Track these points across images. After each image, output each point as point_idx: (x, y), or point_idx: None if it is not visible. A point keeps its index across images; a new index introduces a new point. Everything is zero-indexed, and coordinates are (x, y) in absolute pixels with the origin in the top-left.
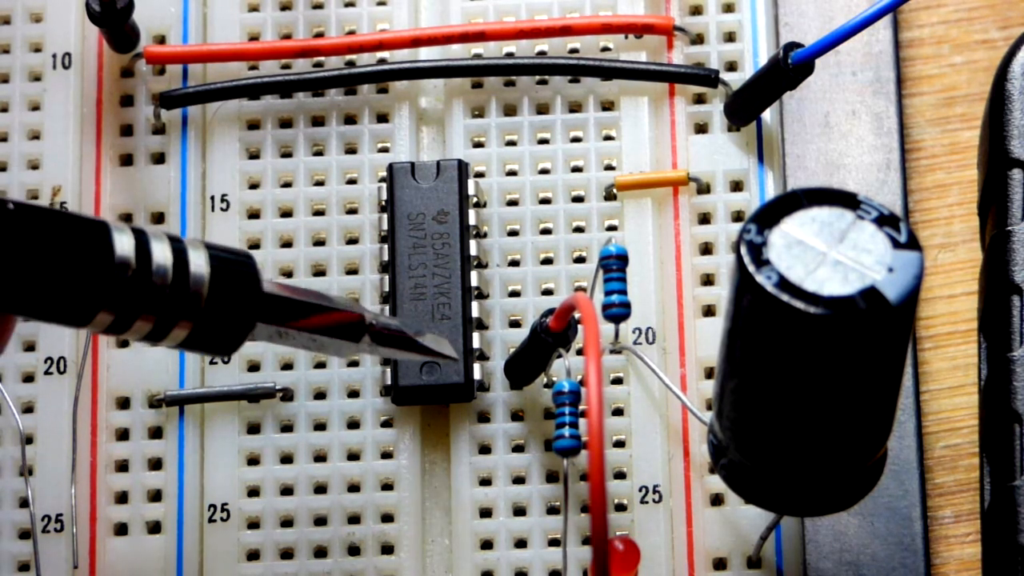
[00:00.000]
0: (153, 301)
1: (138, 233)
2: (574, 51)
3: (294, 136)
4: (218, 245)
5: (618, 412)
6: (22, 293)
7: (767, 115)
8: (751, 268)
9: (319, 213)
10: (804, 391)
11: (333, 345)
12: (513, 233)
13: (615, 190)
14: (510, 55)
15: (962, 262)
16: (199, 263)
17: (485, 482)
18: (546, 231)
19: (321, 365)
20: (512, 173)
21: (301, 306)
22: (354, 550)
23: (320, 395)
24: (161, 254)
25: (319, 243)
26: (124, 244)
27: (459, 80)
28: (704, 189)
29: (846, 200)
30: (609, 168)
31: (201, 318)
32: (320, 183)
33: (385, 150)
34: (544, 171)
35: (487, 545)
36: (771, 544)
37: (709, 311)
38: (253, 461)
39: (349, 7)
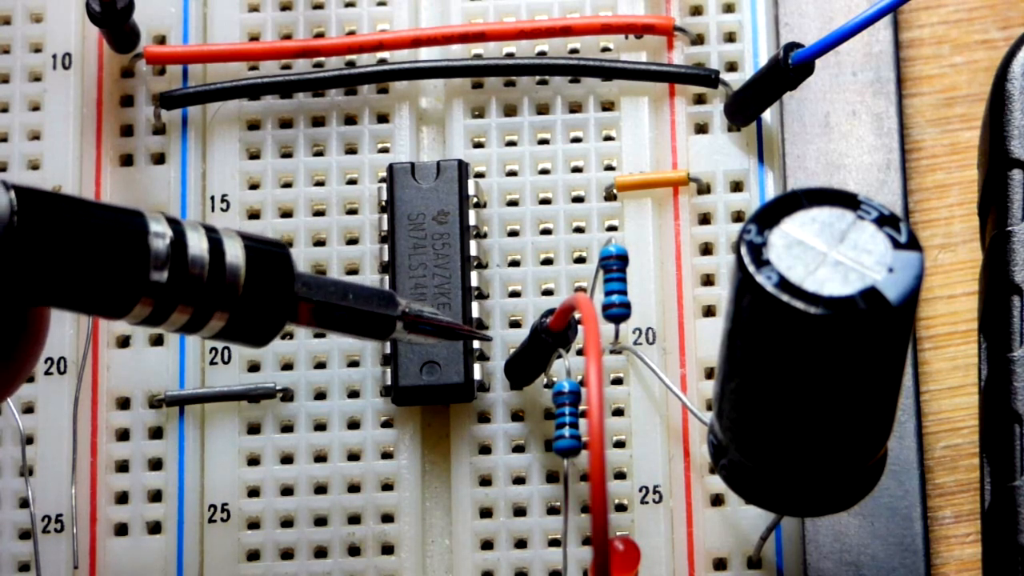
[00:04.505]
0: (190, 292)
1: (173, 223)
2: (574, 51)
3: (294, 136)
4: (252, 235)
5: (618, 412)
6: (60, 285)
7: (767, 115)
8: (751, 268)
9: (319, 213)
10: (804, 391)
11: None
12: (513, 233)
13: (615, 190)
14: (510, 55)
15: (962, 262)
16: (235, 253)
17: (485, 482)
18: (546, 231)
19: (321, 365)
20: (512, 173)
21: (337, 287)
22: (354, 550)
23: (320, 395)
24: (197, 244)
25: (319, 243)
26: (160, 233)
27: (459, 80)
28: (704, 189)
29: (846, 200)
30: (609, 168)
31: (238, 308)
32: (320, 183)
33: (385, 150)
34: (544, 171)
35: (487, 545)
36: (771, 544)
37: (709, 311)
38: (253, 461)
39: (349, 7)
